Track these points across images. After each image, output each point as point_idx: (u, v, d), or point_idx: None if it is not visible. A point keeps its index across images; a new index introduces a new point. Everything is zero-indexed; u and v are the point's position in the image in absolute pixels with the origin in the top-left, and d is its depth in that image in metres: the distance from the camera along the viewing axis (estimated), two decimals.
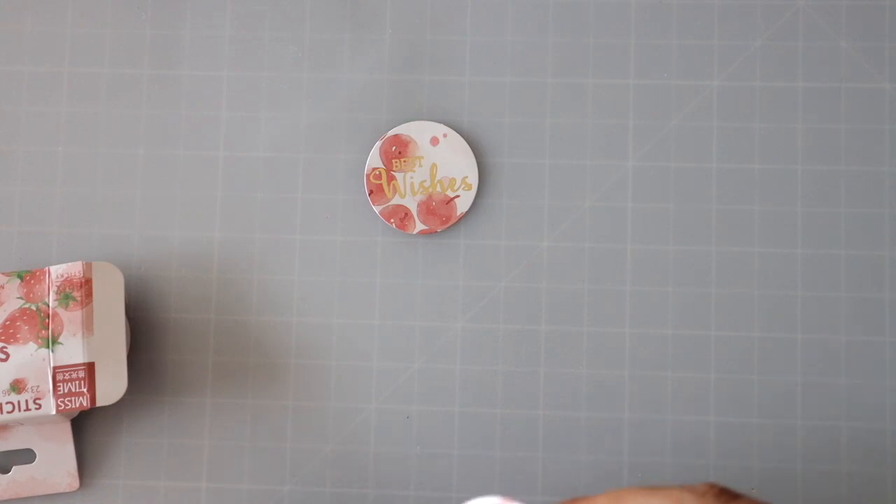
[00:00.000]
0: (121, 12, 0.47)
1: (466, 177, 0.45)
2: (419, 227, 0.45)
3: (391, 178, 0.45)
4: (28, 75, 0.47)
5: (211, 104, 0.46)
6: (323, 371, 0.45)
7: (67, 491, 0.44)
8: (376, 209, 0.45)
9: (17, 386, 0.40)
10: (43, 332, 0.40)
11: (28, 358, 0.40)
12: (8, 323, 0.41)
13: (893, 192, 0.45)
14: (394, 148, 0.45)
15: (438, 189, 0.45)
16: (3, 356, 0.40)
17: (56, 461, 0.44)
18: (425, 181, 0.45)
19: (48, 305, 0.41)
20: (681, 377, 0.44)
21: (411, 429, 0.45)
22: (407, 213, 0.45)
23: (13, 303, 0.41)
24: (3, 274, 0.41)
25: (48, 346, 0.40)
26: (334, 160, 0.46)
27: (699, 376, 0.44)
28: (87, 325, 0.41)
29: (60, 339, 0.40)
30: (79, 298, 0.41)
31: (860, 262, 0.45)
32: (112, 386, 0.41)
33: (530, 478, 0.44)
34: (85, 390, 0.40)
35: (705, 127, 0.46)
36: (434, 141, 0.45)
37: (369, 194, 0.45)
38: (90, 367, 0.40)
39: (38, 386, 0.40)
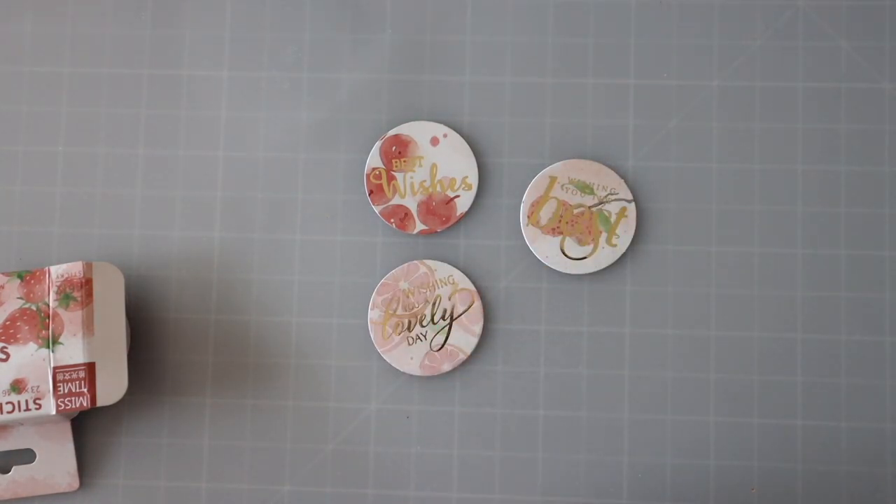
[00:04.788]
0: (121, 12, 0.47)
1: (466, 177, 0.45)
2: (419, 227, 0.45)
3: (391, 178, 0.45)
4: (28, 75, 0.47)
5: (211, 104, 0.46)
6: (323, 371, 0.45)
7: (67, 491, 0.44)
8: (376, 209, 0.45)
9: (17, 386, 0.40)
10: (43, 332, 0.40)
11: (28, 358, 0.40)
12: (8, 323, 0.41)
13: (893, 192, 0.45)
14: (394, 148, 0.45)
15: (438, 189, 0.45)
16: (3, 356, 0.40)
17: (56, 461, 0.44)
18: (425, 181, 0.45)
19: (48, 305, 0.41)
20: (681, 377, 0.44)
21: (411, 429, 0.45)
22: (407, 213, 0.45)
23: (13, 303, 0.41)
24: (3, 274, 0.41)
25: (48, 346, 0.40)
26: (334, 160, 0.46)
27: (699, 376, 0.44)
28: (88, 326, 0.41)
29: (61, 340, 0.40)
30: (79, 298, 0.41)
31: (860, 262, 0.45)
32: (112, 386, 0.41)
33: (530, 478, 0.44)
34: (85, 390, 0.40)
35: (705, 127, 0.46)
36: (434, 141, 0.45)
37: (369, 194, 0.45)
38: (90, 368, 0.40)
39: (38, 386, 0.40)
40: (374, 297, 0.45)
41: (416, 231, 0.45)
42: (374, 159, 0.45)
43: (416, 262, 0.45)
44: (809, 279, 0.45)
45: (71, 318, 0.40)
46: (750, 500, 0.44)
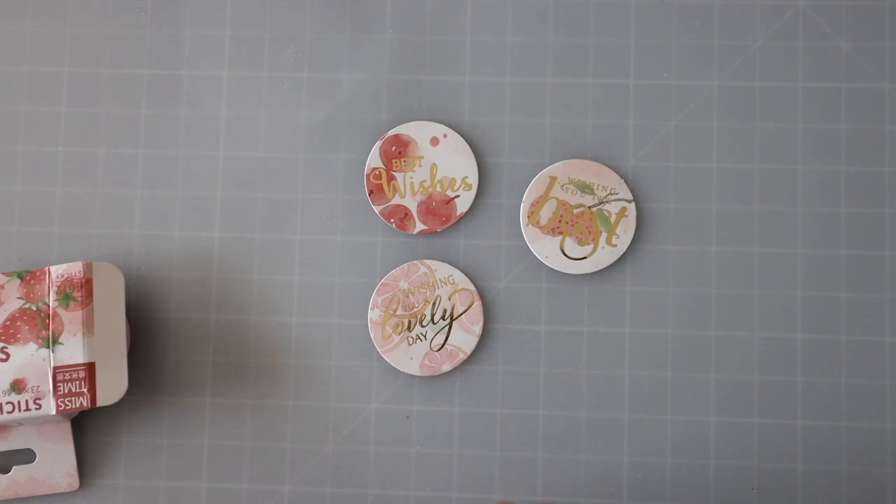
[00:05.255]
0: (121, 12, 0.47)
1: (466, 177, 0.45)
2: (419, 227, 0.45)
3: (391, 178, 0.45)
4: (28, 75, 0.47)
5: (211, 104, 0.46)
6: (323, 371, 0.45)
7: (67, 491, 0.44)
8: (376, 209, 0.45)
9: (17, 386, 0.40)
10: (43, 332, 0.40)
11: (28, 358, 0.40)
12: (8, 323, 0.41)
13: (893, 192, 0.45)
14: (394, 148, 0.45)
15: (438, 189, 0.45)
16: (3, 356, 0.40)
17: (56, 461, 0.44)
18: (425, 181, 0.45)
19: (48, 305, 0.41)
20: (681, 377, 0.44)
21: (411, 429, 0.45)
22: (407, 213, 0.45)
23: (13, 303, 0.41)
24: (3, 274, 0.41)
25: (48, 347, 0.40)
26: (334, 160, 0.46)
27: (699, 376, 0.44)
28: (88, 326, 0.41)
29: (61, 340, 0.40)
30: (79, 298, 0.41)
31: (860, 262, 0.45)
32: (112, 386, 0.41)
33: (530, 478, 0.44)
34: (85, 390, 0.40)
35: (705, 127, 0.46)
36: (434, 141, 0.45)
37: (369, 194, 0.45)
38: (90, 368, 0.40)
39: (38, 386, 0.40)
40: (374, 297, 0.45)
41: (416, 231, 0.45)
42: (374, 159, 0.45)
43: (416, 262, 0.45)
44: (809, 279, 0.45)
45: (71, 318, 0.40)
46: (750, 500, 0.44)
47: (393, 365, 0.44)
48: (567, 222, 0.45)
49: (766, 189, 0.45)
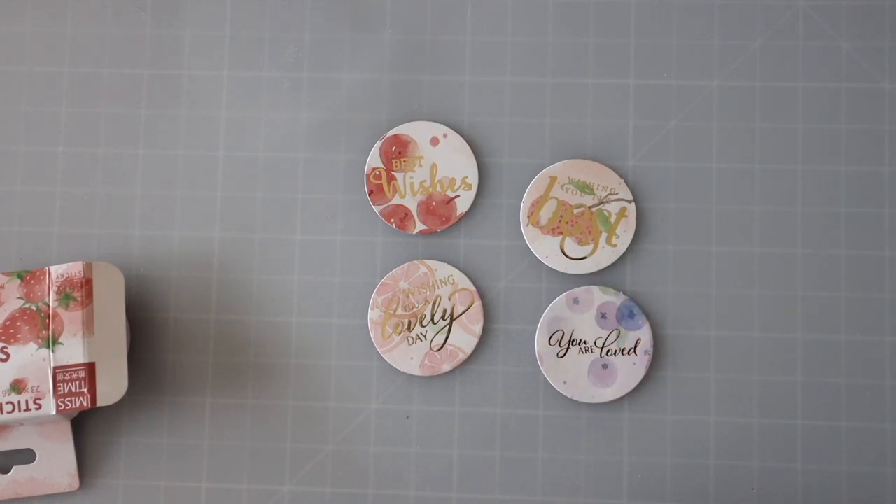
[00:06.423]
0: (121, 12, 0.47)
1: (466, 177, 0.45)
2: (419, 227, 0.45)
3: (391, 178, 0.45)
4: (28, 75, 0.47)
5: (211, 104, 0.46)
6: (323, 371, 0.45)
7: (67, 491, 0.44)
8: (376, 209, 0.45)
9: (17, 386, 0.40)
10: (43, 332, 0.40)
11: (28, 358, 0.40)
12: (8, 323, 0.41)
13: (893, 192, 0.45)
14: (394, 148, 0.45)
15: (438, 189, 0.45)
16: (3, 356, 0.40)
17: (56, 461, 0.44)
18: (425, 181, 0.45)
19: (48, 305, 0.41)
20: (681, 376, 0.44)
21: (411, 429, 0.45)
22: (407, 213, 0.45)
23: (13, 303, 0.41)
24: (3, 274, 0.41)
25: (48, 347, 0.40)
26: (334, 160, 0.46)
27: (700, 376, 0.44)
28: (88, 326, 0.41)
29: (61, 340, 0.40)
30: (79, 298, 0.41)
31: (860, 262, 0.45)
32: (112, 386, 0.41)
33: (530, 478, 0.44)
34: (85, 390, 0.40)
35: (705, 127, 0.46)
36: (434, 141, 0.45)
37: (369, 194, 0.45)
38: (90, 368, 0.40)
39: (38, 386, 0.40)
40: (374, 297, 0.45)
41: (416, 231, 0.45)
42: (374, 159, 0.45)
43: (416, 262, 0.45)
44: (809, 279, 0.45)
45: (71, 318, 0.40)
46: (750, 500, 0.44)
47: (393, 365, 0.44)
48: (567, 222, 0.45)
49: (766, 189, 0.45)
